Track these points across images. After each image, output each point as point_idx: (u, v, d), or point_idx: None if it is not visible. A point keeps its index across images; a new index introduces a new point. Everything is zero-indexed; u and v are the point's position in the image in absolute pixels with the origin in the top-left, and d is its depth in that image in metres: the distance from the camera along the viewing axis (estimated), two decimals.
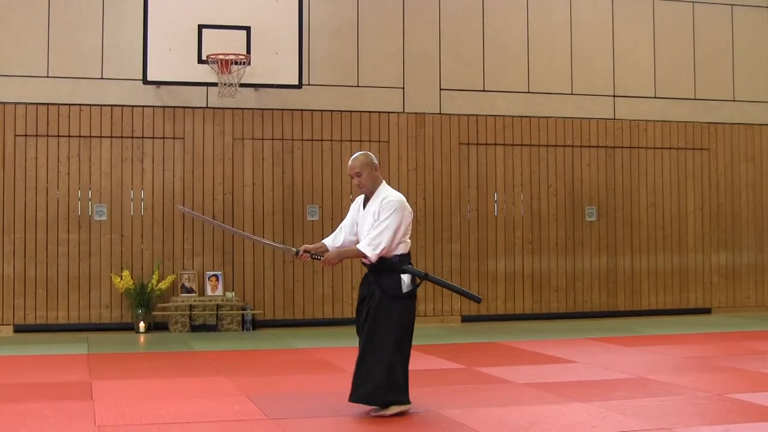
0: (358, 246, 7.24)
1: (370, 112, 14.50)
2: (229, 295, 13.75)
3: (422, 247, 14.52)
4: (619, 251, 15.45)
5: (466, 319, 14.60)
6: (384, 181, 7.53)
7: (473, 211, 14.76)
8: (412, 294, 7.24)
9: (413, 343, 7.40)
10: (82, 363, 10.50)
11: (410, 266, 7.29)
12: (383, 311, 7.14)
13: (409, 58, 14.71)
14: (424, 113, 14.71)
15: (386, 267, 7.20)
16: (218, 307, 13.53)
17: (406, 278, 7.21)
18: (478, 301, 7.60)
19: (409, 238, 7.34)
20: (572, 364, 10.26)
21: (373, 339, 7.14)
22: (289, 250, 7.59)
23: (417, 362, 10.34)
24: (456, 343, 12.44)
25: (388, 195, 7.31)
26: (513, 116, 15.04)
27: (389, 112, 14.58)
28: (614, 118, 15.50)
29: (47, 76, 13.49)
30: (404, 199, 7.35)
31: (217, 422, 7.16)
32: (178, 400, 8.17)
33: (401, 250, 7.24)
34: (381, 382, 7.11)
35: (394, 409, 7.17)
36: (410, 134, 14.66)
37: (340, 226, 7.65)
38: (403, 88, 14.65)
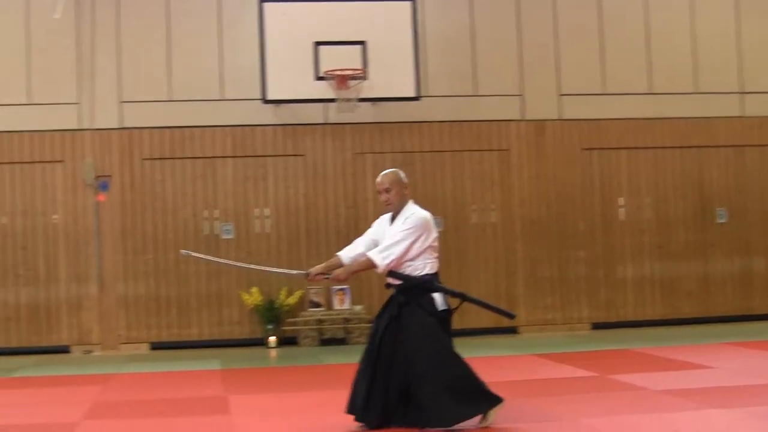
0: (369, 253, 7.95)
1: (489, 120, 16.20)
2: (356, 308, 15.62)
3: (547, 255, 16.16)
4: (753, 252, 16.72)
5: (595, 326, 16.12)
6: (412, 201, 8.21)
7: (598, 217, 16.33)
8: (447, 313, 7.96)
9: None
10: (217, 378, 11.91)
11: (441, 285, 7.98)
12: (426, 330, 7.82)
13: (527, 64, 16.35)
14: (544, 120, 16.35)
15: (419, 286, 7.90)
16: (346, 320, 15.43)
17: (438, 297, 7.90)
18: (512, 317, 8.42)
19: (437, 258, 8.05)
20: (709, 370, 10.94)
21: (427, 360, 7.73)
22: (299, 274, 8.46)
23: (549, 371, 11.59)
24: (587, 351, 13.56)
25: (414, 212, 8.03)
26: (636, 119, 16.50)
27: (508, 120, 16.26)
28: (743, 116, 16.79)
29: (169, 100, 15.69)
30: (430, 217, 8.05)
31: None
32: (312, 413, 9.10)
33: (429, 269, 7.94)
34: (465, 394, 7.76)
35: (493, 414, 7.87)
36: (530, 142, 16.24)
37: (356, 240, 8.41)
38: (522, 95, 16.32)
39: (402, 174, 8.25)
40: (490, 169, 16.29)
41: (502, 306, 14.39)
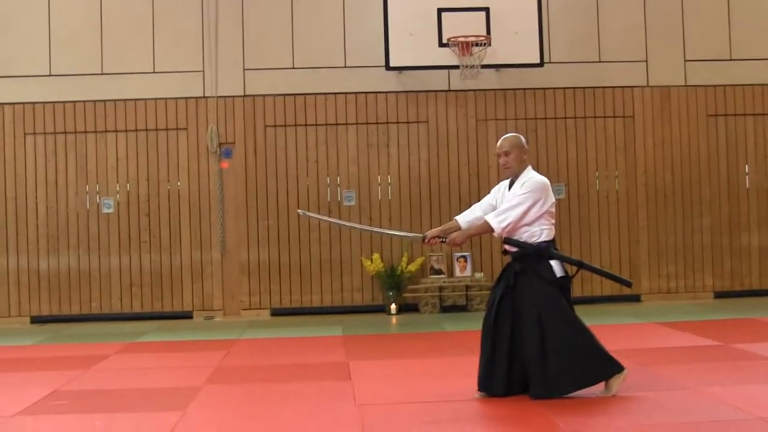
0: (486, 217, 8.19)
1: (613, 87, 16.78)
2: (477, 275, 16.32)
3: (672, 223, 16.74)
4: None
5: (718, 295, 16.67)
6: (530, 166, 8.44)
7: (724, 184, 16.87)
8: (566, 280, 8.23)
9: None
10: (338, 344, 12.44)
11: (559, 252, 8.32)
12: (545, 298, 8.11)
13: (652, 29, 16.89)
14: (669, 86, 16.88)
15: (535, 254, 8.16)
16: (467, 287, 16.16)
17: (555, 264, 8.18)
18: (629, 285, 8.63)
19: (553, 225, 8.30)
20: None
21: (548, 329, 8.02)
22: (415, 237, 8.78)
23: (671, 339, 12.02)
24: (710, 320, 13.99)
25: (532, 176, 8.24)
26: (762, 84, 16.96)
27: (633, 87, 16.82)
28: None
29: (293, 68, 16.47)
30: (548, 182, 8.26)
31: (473, 401, 8.25)
32: (433, 379, 9.46)
33: (546, 236, 8.21)
34: (588, 361, 8.05)
35: (616, 383, 8.16)
36: (655, 108, 16.79)
37: (474, 205, 8.69)
38: (647, 61, 16.87)
39: (523, 139, 8.51)
40: (614, 136, 16.89)
41: (623, 274, 15.53)
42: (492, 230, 8.17)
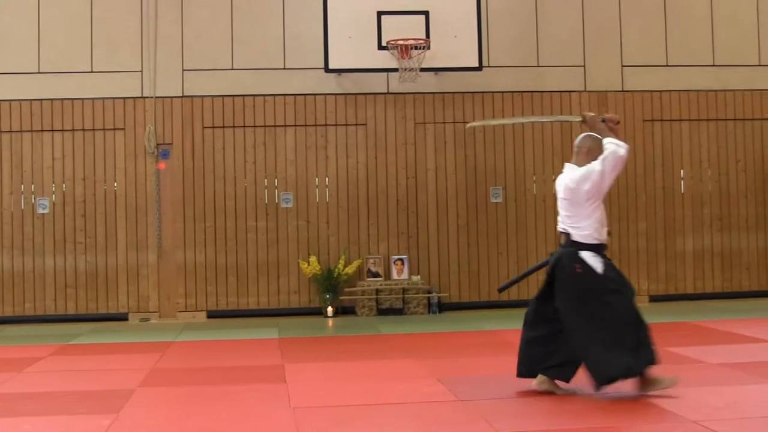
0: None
1: (551, 92, 16.88)
2: (414, 278, 16.33)
3: (608, 226, 17.17)
4: None
5: (653, 298, 16.82)
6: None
7: (659, 189, 17.04)
8: (611, 269, 8.43)
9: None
10: (274, 347, 12.37)
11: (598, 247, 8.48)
12: (585, 288, 8.35)
13: (590, 35, 17.00)
14: (606, 91, 17.02)
15: (578, 246, 8.45)
16: (404, 290, 16.14)
17: (589, 257, 8.41)
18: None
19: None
20: (767, 344, 11.30)
21: (585, 320, 8.31)
22: (574, 119, 9.34)
23: None
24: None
25: None
26: (699, 90, 17.16)
27: (570, 92, 16.94)
28: None
29: (232, 69, 16.40)
30: None
31: (408, 404, 8.29)
32: (368, 382, 9.53)
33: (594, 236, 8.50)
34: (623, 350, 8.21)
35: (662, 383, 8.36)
36: (592, 113, 17.28)
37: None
38: (584, 66, 16.99)
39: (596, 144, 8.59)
40: (551, 140, 16.97)
41: None
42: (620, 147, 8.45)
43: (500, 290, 9.63)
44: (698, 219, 17.33)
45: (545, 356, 8.54)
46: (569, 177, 8.50)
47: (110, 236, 16.35)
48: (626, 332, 8.22)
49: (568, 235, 8.49)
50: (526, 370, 8.69)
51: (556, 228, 16.23)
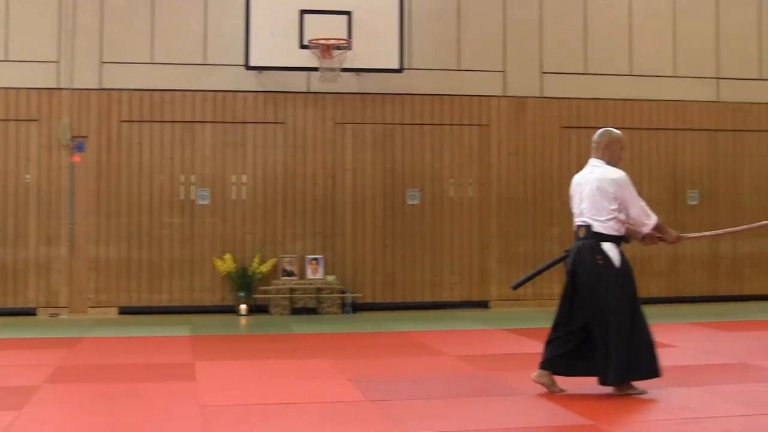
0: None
1: (470, 95, 16.94)
2: (329, 278, 16.29)
3: (523, 231, 17.00)
4: (721, 236, 17.18)
5: None
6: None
7: (568, 197, 17.45)
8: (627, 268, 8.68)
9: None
10: (186, 344, 12.27)
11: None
12: (606, 283, 8.57)
13: (510, 41, 17.11)
14: (525, 97, 17.14)
15: (600, 239, 8.64)
16: (319, 290, 16.10)
17: (611, 250, 8.60)
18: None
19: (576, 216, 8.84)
20: (673, 349, 11.34)
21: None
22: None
23: (517, 345, 12.22)
24: None
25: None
26: (615, 99, 17.39)
27: (490, 96, 17.01)
28: (718, 101, 17.79)
29: (152, 63, 16.21)
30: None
31: (318, 404, 8.27)
32: (279, 381, 9.49)
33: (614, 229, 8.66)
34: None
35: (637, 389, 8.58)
36: (511, 118, 17.01)
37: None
38: (504, 71, 17.09)
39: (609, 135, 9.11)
40: (470, 144, 17.05)
41: (474, 280, 15.89)
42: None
43: (515, 287, 9.64)
44: None
45: (567, 353, 8.70)
46: (603, 175, 8.76)
47: (21, 229, 16.05)
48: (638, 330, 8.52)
49: (588, 227, 8.63)
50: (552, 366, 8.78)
51: (471, 231, 16.51)
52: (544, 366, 8.67)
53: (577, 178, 9.02)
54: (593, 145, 9.02)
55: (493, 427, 7.52)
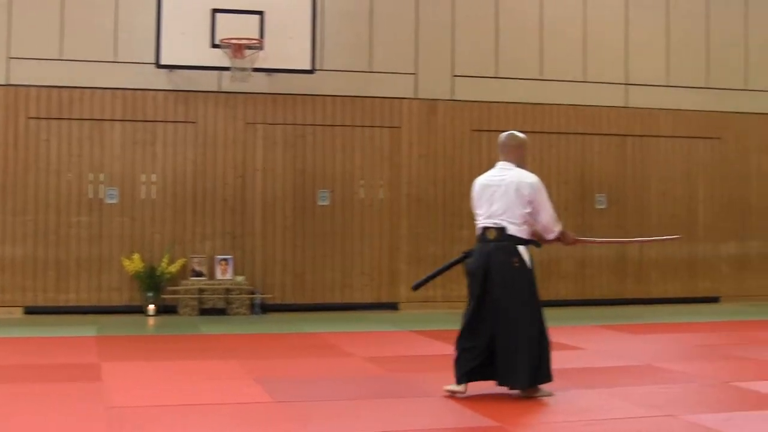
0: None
1: (382, 97, 17.05)
2: (238, 279, 16.25)
3: (432, 233, 17.13)
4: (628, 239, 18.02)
5: None
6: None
7: None
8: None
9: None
10: (92, 345, 12.10)
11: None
12: (515, 286, 8.65)
13: (422, 43, 17.26)
14: (436, 99, 17.29)
15: (511, 241, 8.68)
16: (228, 290, 16.06)
17: (523, 252, 8.68)
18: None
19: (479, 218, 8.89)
20: (579, 351, 11.64)
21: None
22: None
23: (425, 347, 12.28)
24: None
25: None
26: (525, 103, 17.61)
27: (401, 98, 17.14)
28: (626, 106, 18.15)
29: (61, 59, 16.01)
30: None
31: (225, 405, 8.25)
32: (186, 382, 9.42)
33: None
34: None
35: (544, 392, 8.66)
36: (422, 120, 17.16)
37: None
38: (416, 74, 17.21)
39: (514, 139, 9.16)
40: (381, 146, 17.15)
41: (384, 282, 15.95)
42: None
43: (415, 288, 9.66)
44: None
45: (481, 362, 8.65)
46: (520, 179, 8.83)
47: None
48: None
49: (502, 229, 8.63)
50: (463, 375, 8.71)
51: (381, 233, 16.58)
52: (461, 381, 8.66)
53: (485, 180, 9.01)
54: (502, 147, 9.06)
55: (400, 429, 7.57)
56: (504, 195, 8.74)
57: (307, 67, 16.26)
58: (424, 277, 9.41)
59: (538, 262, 16.58)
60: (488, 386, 8.81)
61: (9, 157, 16.00)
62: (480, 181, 9.07)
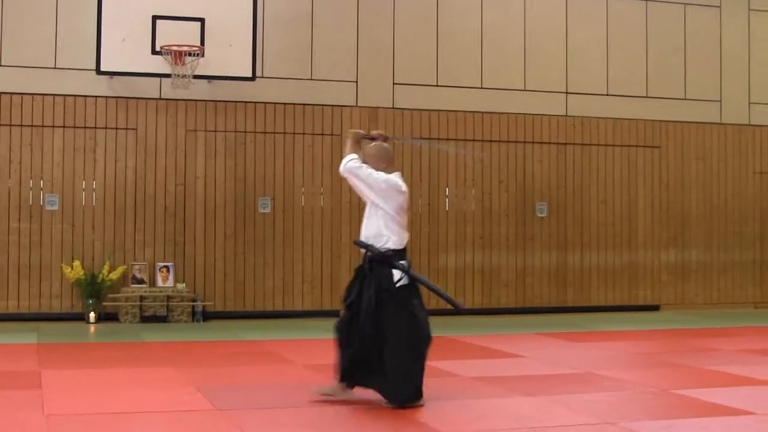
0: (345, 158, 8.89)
1: (323, 105, 17.17)
2: (180, 286, 16.32)
3: None
4: (569, 247, 18.35)
5: None
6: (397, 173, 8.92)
7: (425, 206, 17.57)
8: (406, 289, 8.55)
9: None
10: (32, 352, 12.08)
11: (401, 263, 8.54)
12: (384, 305, 8.44)
13: (363, 51, 17.43)
14: (377, 107, 17.45)
15: (379, 258, 8.51)
16: (169, 298, 16.09)
17: (396, 274, 8.49)
18: (459, 308, 9.20)
19: (405, 233, 8.70)
20: (520, 359, 11.81)
21: (388, 335, 8.41)
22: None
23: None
24: None
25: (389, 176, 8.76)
26: (466, 111, 17.84)
27: (342, 106, 17.27)
28: (566, 115, 18.43)
29: (0, 65, 16.01)
30: (395, 183, 8.80)
31: (165, 413, 8.25)
32: (127, 390, 9.36)
33: (392, 244, 8.55)
34: (400, 381, 8.41)
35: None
36: (363, 128, 16.80)
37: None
38: (357, 81, 17.36)
39: (383, 149, 9.12)
40: (321, 154, 17.25)
41: (325, 290, 15.98)
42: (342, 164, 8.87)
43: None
44: (461, 236, 17.98)
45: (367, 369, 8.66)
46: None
47: None
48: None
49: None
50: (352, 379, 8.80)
51: (323, 241, 16.70)
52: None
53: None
54: (390, 156, 9.16)
55: None
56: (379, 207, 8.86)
57: (248, 74, 16.33)
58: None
59: (479, 269, 16.92)
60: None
61: None
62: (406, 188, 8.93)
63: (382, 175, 8.76)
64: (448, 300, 8.96)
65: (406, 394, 8.45)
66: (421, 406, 8.53)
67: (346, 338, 8.64)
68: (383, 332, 8.42)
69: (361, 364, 8.57)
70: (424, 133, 17.73)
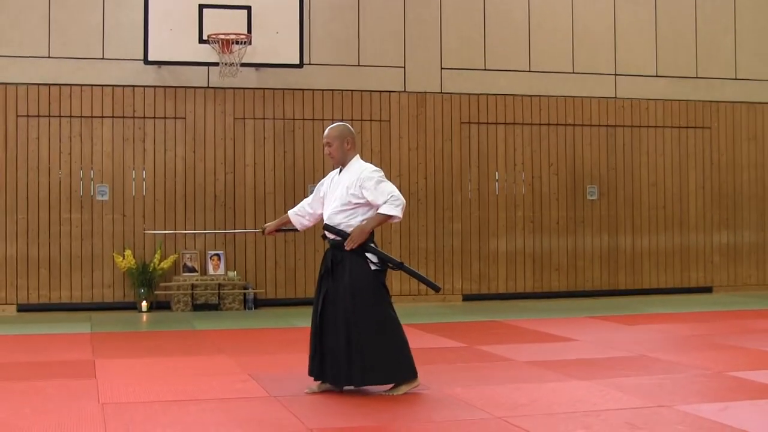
0: (380, 210, 8.32)
1: (371, 91, 17.20)
2: (230, 274, 16.39)
3: (423, 227, 17.28)
4: (620, 230, 18.26)
5: (467, 297, 17.28)
6: (358, 155, 8.78)
7: (474, 191, 17.54)
8: (382, 273, 8.52)
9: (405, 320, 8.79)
10: (85, 342, 12.20)
11: (375, 246, 8.49)
12: (359, 291, 8.38)
13: (410, 37, 17.40)
14: (425, 92, 17.43)
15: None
16: (220, 286, 16.19)
17: (371, 257, 8.46)
18: (437, 290, 8.99)
19: None
20: (573, 343, 11.81)
21: (362, 320, 8.34)
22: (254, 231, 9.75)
23: (419, 340, 11.99)
24: (457, 322, 14.50)
25: (366, 166, 8.58)
26: (514, 95, 17.79)
27: (390, 92, 17.28)
28: (616, 97, 18.32)
29: (49, 57, 16.09)
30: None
31: (219, 400, 8.29)
32: (180, 378, 9.45)
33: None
34: (387, 361, 8.39)
35: (406, 387, 8.47)
36: (411, 113, 17.31)
37: (303, 201, 9.19)
38: (404, 67, 17.35)
39: (349, 129, 8.77)
40: (370, 139, 17.27)
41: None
42: (393, 218, 8.46)
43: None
44: (511, 220, 17.93)
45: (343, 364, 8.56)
46: (361, 174, 8.56)
47: None
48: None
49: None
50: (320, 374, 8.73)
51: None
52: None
53: (334, 179, 9.01)
54: (354, 137, 8.89)
55: (399, 421, 7.69)
56: (346, 195, 8.76)
57: (296, 61, 16.34)
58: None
59: (530, 254, 16.85)
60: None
61: None
62: None
63: (377, 169, 8.70)
64: (426, 282, 8.90)
65: (403, 371, 8.51)
66: (417, 386, 8.61)
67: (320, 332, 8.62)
68: (359, 321, 8.38)
69: (334, 360, 8.53)
70: (472, 118, 17.74)
